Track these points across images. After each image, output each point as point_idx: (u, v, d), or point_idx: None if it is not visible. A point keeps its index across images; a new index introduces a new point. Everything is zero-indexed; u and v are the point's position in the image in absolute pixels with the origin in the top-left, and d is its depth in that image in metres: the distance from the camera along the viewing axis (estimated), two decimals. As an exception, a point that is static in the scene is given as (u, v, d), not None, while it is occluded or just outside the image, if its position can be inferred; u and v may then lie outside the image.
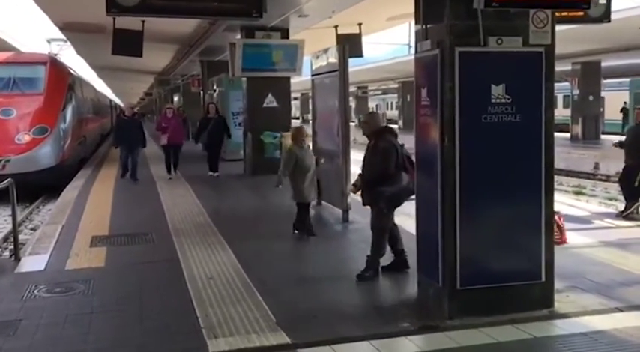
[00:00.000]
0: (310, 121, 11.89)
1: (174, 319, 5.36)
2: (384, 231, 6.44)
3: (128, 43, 11.66)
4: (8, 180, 7.75)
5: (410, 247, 6.12)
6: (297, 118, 59.06)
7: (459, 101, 5.13)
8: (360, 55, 15.20)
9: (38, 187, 15.28)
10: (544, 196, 5.37)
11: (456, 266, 5.21)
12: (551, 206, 5.48)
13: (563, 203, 10.31)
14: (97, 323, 5.30)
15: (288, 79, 15.47)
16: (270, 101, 15.11)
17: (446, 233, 5.24)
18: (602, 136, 27.94)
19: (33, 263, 7.41)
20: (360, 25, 14.68)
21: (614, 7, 9.37)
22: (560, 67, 25.60)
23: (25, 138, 15.06)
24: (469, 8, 4.95)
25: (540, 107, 5.31)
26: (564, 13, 7.48)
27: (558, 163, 18.23)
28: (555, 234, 5.87)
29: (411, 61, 5.97)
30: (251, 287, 6.16)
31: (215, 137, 14.95)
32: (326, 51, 10.02)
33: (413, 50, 5.93)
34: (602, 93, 28.93)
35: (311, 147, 9.17)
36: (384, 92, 57.69)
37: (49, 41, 26.04)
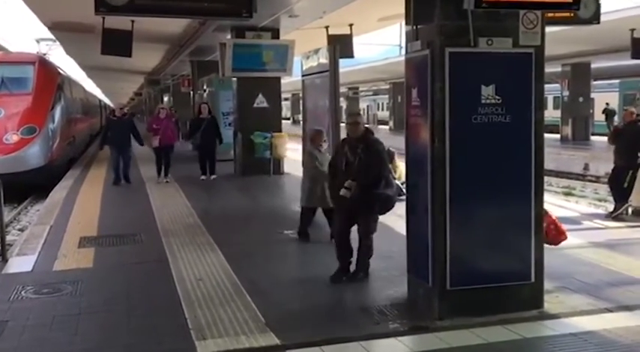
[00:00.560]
0: (301, 122, 11.87)
1: (162, 320, 5.31)
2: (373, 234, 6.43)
3: (117, 43, 11.64)
4: (-5, 180, 7.68)
5: (400, 248, 6.10)
6: (288, 119, 59.01)
7: (449, 101, 5.13)
8: (350, 55, 15.21)
9: (26, 187, 15.17)
10: (534, 197, 5.37)
11: (446, 266, 5.20)
12: (541, 206, 5.49)
13: (553, 204, 10.34)
14: (84, 325, 5.25)
15: (279, 79, 15.45)
16: (261, 101, 15.08)
17: (436, 233, 5.23)
18: (592, 137, 28.08)
19: (20, 264, 7.35)
20: (351, 25, 14.69)
21: (603, 8, 9.43)
22: (550, 69, 25.74)
23: (13, 138, 14.95)
24: (459, 9, 4.94)
25: (530, 108, 5.31)
26: (554, 14, 7.52)
27: (548, 164, 18.29)
28: (553, 232, 5.86)
29: (402, 62, 5.96)
30: (240, 288, 6.13)
31: (208, 138, 14.17)
32: (316, 51, 10.00)
33: (404, 51, 5.91)
34: (592, 95, 29.07)
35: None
36: (375, 93, 57.73)
37: (37, 41, 25.86)
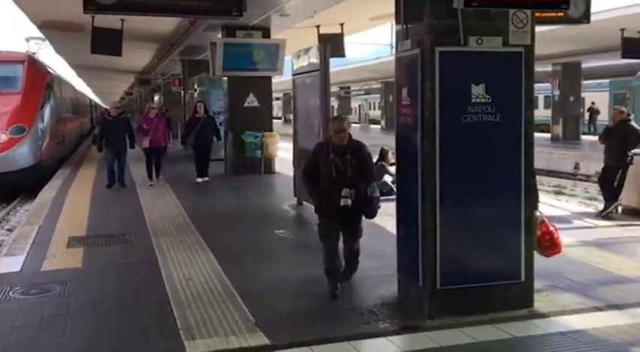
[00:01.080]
0: (292, 121, 11.85)
1: (151, 320, 5.28)
2: None
3: (107, 42, 11.59)
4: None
5: (391, 247, 6.09)
6: (280, 118, 58.96)
7: (439, 101, 5.12)
8: (342, 54, 15.19)
9: (15, 187, 15.07)
10: (524, 196, 5.37)
11: (436, 266, 5.20)
12: (531, 206, 5.49)
13: (544, 203, 10.35)
14: (72, 325, 5.21)
15: (270, 78, 15.43)
16: (252, 101, 15.04)
17: (426, 233, 5.22)
18: (583, 137, 28.20)
19: (8, 264, 7.29)
20: (342, 24, 14.66)
21: (594, 8, 9.45)
22: (541, 68, 25.83)
23: (2, 137, 14.86)
24: (449, 8, 4.93)
25: (520, 107, 5.32)
26: (544, 14, 7.53)
27: (539, 163, 18.33)
28: (547, 243, 5.83)
29: (393, 61, 5.94)
30: (230, 288, 6.10)
31: (204, 139, 13.71)
32: (307, 50, 9.98)
33: (395, 50, 5.90)
34: (583, 94, 29.20)
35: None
36: (367, 92, 57.78)
37: (27, 40, 25.69)
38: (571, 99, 27.74)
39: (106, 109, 18.29)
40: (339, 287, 5.85)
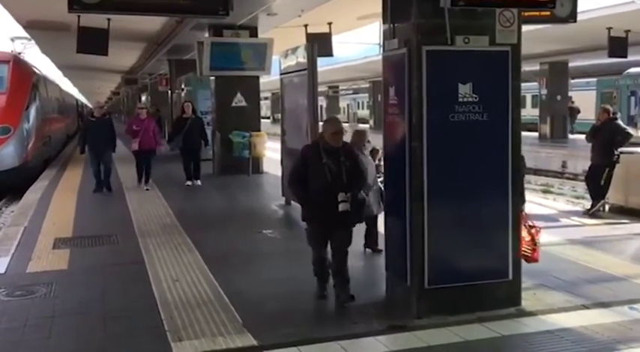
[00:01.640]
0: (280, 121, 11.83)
1: (138, 322, 5.24)
2: None
3: (93, 41, 11.50)
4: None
5: (380, 247, 6.08)
6: (268, 118, 58.84)
7: (426, 100, 5.12)
8: (329, 54, 15.15)
9: (1, 188, 14.92)
10: (511, 195, 5.38)
11: (424, 265, 5.19)
12: (518, 204, 5.50)
13: (532, 201, 10.38)
14: (58, 328, 5.16)
15: (257, 78, 15.39)
16: (239, 100, 14.99)
17: (414, 232, 5.22)
18: (570, 135, 28.34)
19: (-7, 266, 7.21)
20: (329, 24, 14.64)
21: (580, 7, 9.49)
22: (528, 67, 25.95)
23: (-13, 138, 14.70)
24: (436, 7, 4.93)
25: (507, 106, 5.32)
26: (531, 13, 7.55)
27: (527, 162, 18.47)
28: (527, 248, 5.82)
29: (381, 61, 5.93)
30: (217, 288, 6.07)
31: (192, 140, 13.07)
32: (295, 50, 9.96)
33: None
34: (570, 93, 29.33)
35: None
36: (355, 91, 57.79)
37: (12, 39, 25.47)
38: (558, 98, 27.87)
39: (91, 110, 16.80)
40: (327, 289, 5.77)
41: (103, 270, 6.93)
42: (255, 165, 14.85)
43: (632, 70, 26.09)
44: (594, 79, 30.02)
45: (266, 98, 59.05)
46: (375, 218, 7.11)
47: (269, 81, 26.77)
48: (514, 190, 5.40)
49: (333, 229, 5.56)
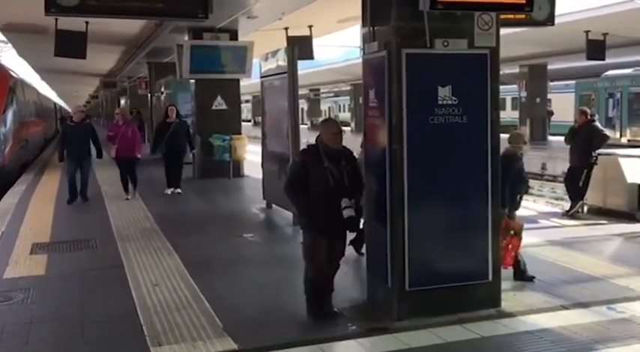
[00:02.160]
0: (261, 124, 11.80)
1: (117, 327, 5.20)
2: None
3: (71, 45, 11.36)
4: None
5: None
6: (249, 121, 58.71)
7: (406, 102, 5.14)
8: (310, 57, 15.15)
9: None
10: (490, 197, 5.41)
11: (405, 267, 5.20)
12: (498, 206, 5.53)
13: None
14: (36, 334, 5.10)
15: (238, 81, 15.35)
16: (220, 103, 14.92)
17: (394, 234, 5.22)
18: (550, 137, 28.58)
19: (-31, 272, 7.10)
20: (310, 27, 14.64)
21: (558, 10, 9.58)
22: (508, 70, 26.13)
23: (-37, 142, 14.49)
24: (415, 10, 4.95)
25: (486, 108, 5.35)
26: (509, 16, 7.61)
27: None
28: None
29: (361, 63, 5.94)
30: (197, 292, 6.03)
31: (175, 145, 12.42)
32: (275, 53, 9.94)
33: (363, 52, 5.90)
34: (549, 96, 29.59)
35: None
36: (337, 94, 57.87)
37: (-11, 42, 25.21)
38: (537, 100, 28.11)
39: (69, 114, 15.31)
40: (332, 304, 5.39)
41: (82, 275, 6.86)
42: (235, 168, 14.79)
43: (610, 72, 26.40)
44: (573, 82, 30.33)
45: (247, 101, 58.88)
46: None
47: (250, 84, 26.70)
48: (493, 192, 5.43)
49: (336, 238, 5.29)
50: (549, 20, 9.21)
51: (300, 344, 4.74)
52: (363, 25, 5.69)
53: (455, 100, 5.22)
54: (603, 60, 17.02)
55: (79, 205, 11.70)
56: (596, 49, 16.48)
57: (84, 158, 11.77)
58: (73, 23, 10.51)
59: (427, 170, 5.24)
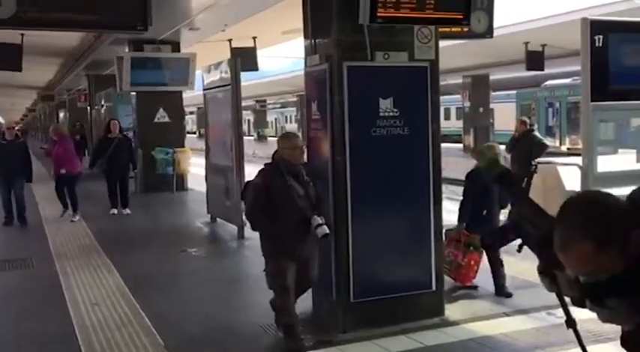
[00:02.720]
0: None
1: (54, 348, 5.04)
2: None
3: (6, 57, 11.05)
4: None
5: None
6: (194, 133, 58.10)
7: (348, 115, 5.15)
8: (255, 68, 15.07)
9: None
10: (433, 206, 5.47)
11: (350, 279, 5.20)
12: (440, 216, 5.60)
13: (454, 211, 10.61)
14: (-34, 359, 4.87)
15: (181, 93, 15.16)
16: (162, 116, 14.68)
17: (338, 246, 5.22)
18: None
19: None
20: (254, 38, 14.60)
21: (498, 22, 9.82)
22: (452, 80, 26.63)
23: None
24: (355, 23, 4.98)
25: (427, 119, 5.42)
26: (448, 29, 7.74)
27: (451, 173, 18.83)
28: (446, 266, 5.95)
29: (306, 75, 5.93)
30: (138, 310, 5.88)
31: (118, 163, 11.57)
32: (218, 65, 9.87)
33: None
34: (492, 105, 30.26)
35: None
36: (283, 105, 57.90)
37: None
38: (480, 110, 28.68)
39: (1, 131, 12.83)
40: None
41: (17, 296, 6.62)
42: (179, 182, 14.57)
43: (549, 82, 27.20)
44: (514, 92, 31.12)
45: (192, 112, 58.28)
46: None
47: (195, 95, 26.40)
48: (435, 202, 5.49)
49: (308, 262, 4.90)
50: (488, 33, 9.42)
51: (245, 361, 4.67)
52: (305, 37, 5.70)
53: (396, 112, 5.28)
54: (542, 70, 17.55)
55: (14, 223, 11.18)
56: (535, 59, 16.97)
57: (15, 178, 10.77)
58: (7, 35, 10.22)
59: (370, 182, 5.26)
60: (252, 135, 50.57)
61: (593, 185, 9.68)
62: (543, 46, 16.87)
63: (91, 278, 7.11)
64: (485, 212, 6.37)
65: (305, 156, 4.96)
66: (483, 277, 6.71)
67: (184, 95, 15.99)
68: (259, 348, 4.92)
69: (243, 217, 8.89)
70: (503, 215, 6.26)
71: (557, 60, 17.84)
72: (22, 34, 10.48)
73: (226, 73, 9.42)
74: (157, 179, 14.29)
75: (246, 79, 18.79)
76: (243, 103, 9.33)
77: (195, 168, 14.89)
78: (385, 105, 5.25)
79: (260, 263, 6.41)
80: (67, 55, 18.42)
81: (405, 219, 5.40)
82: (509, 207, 5.78)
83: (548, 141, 13.54)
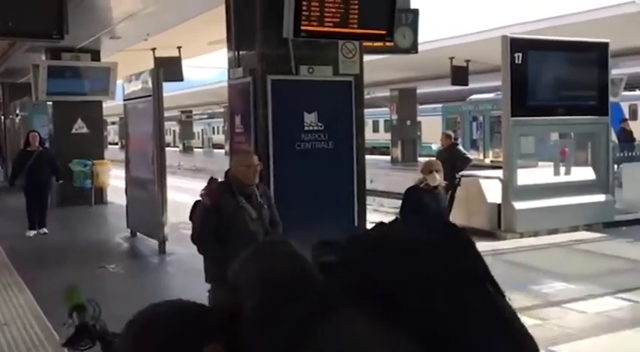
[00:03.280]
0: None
1: (-46, 378, 4.66)
2: None
3: None
4: None
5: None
6: (116, 144, 56.64)
7: (272, 128, 5.09)
8: (180, 78, 14.80)
9: None
10: (357, 217, 5.47)
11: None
12: (365, 225, 5.58)
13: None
14: None
15: (100, 103, 14.66)
16: (80, 127, 14.12)
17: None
18: (420, 158, 29.68)
19: None
20: (179, 48, 14.34)
21: (424, 37, 10.00)
22: (380, 93, 26.98)
23: None
24: (280, 37, 4.92)
25: (351, 133, 5.43)
26: (373, 44, 7.80)
27: (378, 185, 19.03)
28: None
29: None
30: (51, 331, 5.54)
31: (38, 178, 10.62)
32: (139, 75, 9.59)
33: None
34: (419, 118, 30.84)
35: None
36: (210, 116, 57.28)
37: None
38: (408, 123, 29.18)
39: None
40: None
41: None
42: (98, 195, 14.04)
43: (474, 96, 27.96)
44: (440, 105, 31.85)
45: (113, 123, 56.82)
46: None
47: (116, 105, 25.70)
48: (360, 214, 5.49)
49: None
50: (413, 48, 9.59)
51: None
52: (229, 49, 5.61)
53: (321, 126, 5.24)
54: (466, 85, 18.03)
55: None
56: (460, 74, 17.42)
57: None
58: None
59: (294, 195, 5.20)
60: (177, 147, 49.77)
61: (514, 198, 10.04)
62: (467, 61, 17.34)
63: (0, 298, 6.69)
64: None
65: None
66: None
67: (106, 104, 15.51)
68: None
69: (165, 232, 8.71)
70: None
71: (482, 75, 18.37)
72: None
73: (148, 84, 9.15)
74: (74, 192, 13.69)
75: (171, 88, 18.41)
76: (168, 114, 9.08)
77: (115, 181, 14.40)
78: (310, 119, 5.21)
79: (182, 280, 6.26)
80: (-21, 62, 17.57)
81: (329, 231, 5.33)
82: None
83: (471, 154, 13.86)
